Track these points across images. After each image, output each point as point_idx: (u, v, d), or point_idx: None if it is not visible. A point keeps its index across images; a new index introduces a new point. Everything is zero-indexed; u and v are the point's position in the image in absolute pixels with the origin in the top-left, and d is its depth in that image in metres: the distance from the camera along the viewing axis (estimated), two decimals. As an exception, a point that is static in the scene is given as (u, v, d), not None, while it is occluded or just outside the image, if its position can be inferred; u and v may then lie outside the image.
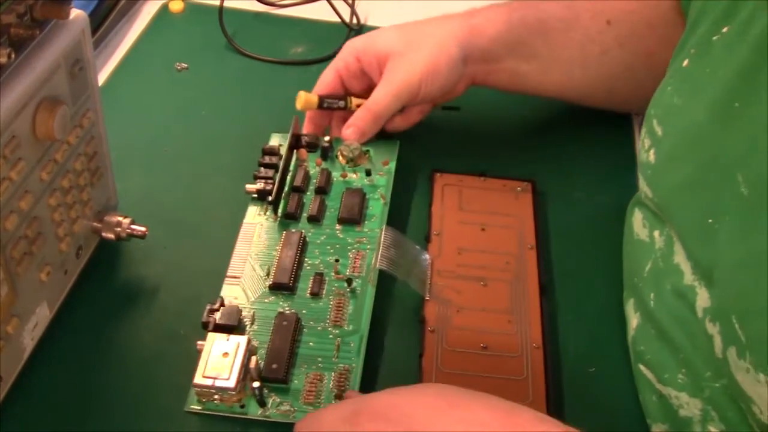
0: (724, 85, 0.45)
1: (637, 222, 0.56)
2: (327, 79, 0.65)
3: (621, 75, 0.53)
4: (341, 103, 0.66)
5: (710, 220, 0.45)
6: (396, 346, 0.56)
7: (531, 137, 0.73)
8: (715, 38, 0.47)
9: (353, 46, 0.66)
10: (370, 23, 0.85)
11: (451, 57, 0.63)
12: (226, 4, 0.82)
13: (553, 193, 0.67)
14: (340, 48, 0.81)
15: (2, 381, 0.48)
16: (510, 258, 0.61)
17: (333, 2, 0.85)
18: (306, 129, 0.68)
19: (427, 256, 0.60)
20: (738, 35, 0.45)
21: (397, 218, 0.64)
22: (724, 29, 0.47)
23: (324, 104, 0.66)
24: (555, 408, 0.52)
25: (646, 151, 0.52)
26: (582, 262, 0.62)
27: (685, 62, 0.50)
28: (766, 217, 0.41)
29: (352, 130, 0.64)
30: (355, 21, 0.85)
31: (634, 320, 0.55)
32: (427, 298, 0.57)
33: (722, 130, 0.45)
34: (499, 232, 0.62)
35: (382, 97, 0.64)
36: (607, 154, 0.71)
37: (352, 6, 0.86)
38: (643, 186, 0.53)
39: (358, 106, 0.66)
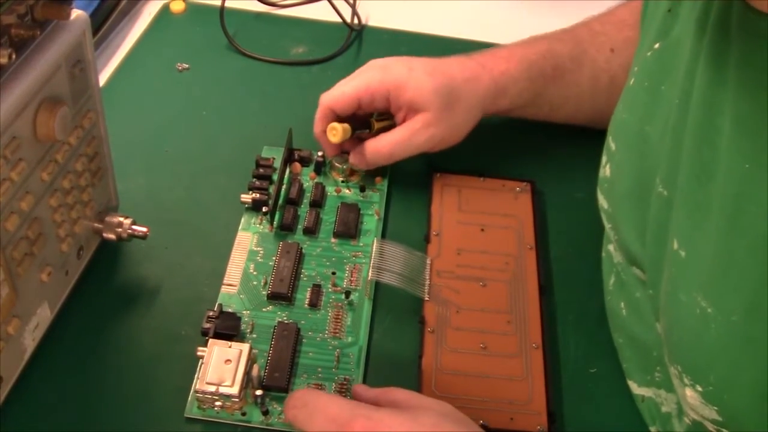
0: (660, 98, 0.48)
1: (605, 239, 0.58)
2: (345, 99, 0.64)
3: None
4: (367, 131, 0.66)
5: (642, 224, 0.48)
6: (396, 346, 0.56)
7: (530, 137, 0.73)
8: (648, 54, 0.50)
9: (384, 81, 0.64)
10: (371, 23, 0.85)
11: (475, 122, 0.66)
12: (227, 4, 0.82)
13: (552, 194, 0.67)
14: (340, 48, 0.81)
15: (3, 381, 0.49)
16: (509, 258, 0.61)
17: (334, 3, 0.85)
18: (331, 153, 0.66)
19: (426, 259, 0.60)
20: (669, 51, 0.48)
21: (396, 219, 0.64)
22: (656, 45, 0.49)
23: (354, 134, 0.65)
24: (555, 408, 0.52)
25: (603, 166, 0.55)
26: (581, 262, 0.62)
27: (632, 81, 0.52)
28: (673, 217, 0.44)
29: (359, 160, 0.65)
30: (356, 21, 0.85)
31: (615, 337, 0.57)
32: (426, 298, 0.57)
33: (658, 139, 0.47)
34: (499, 232, 0.63)
35: (401, 145, 0.64)
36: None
37: (353, 6, 0.86)
38: (601, 200, 0.56)
39: (379, 129, 0.66)
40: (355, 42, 0.83)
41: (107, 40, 0.80)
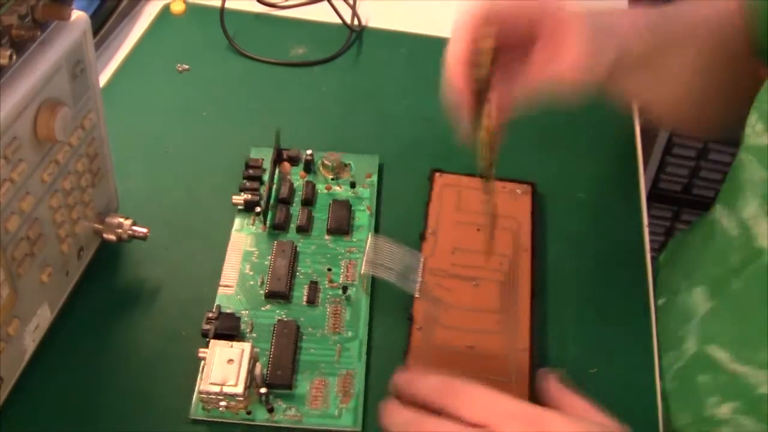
0: None
1: (725, 219, 0.57)
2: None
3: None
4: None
5: None
6: (385, 343, 0.56)
7: (533, 138, 0.72)
8: None
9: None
10: (371, 25, 0.85)
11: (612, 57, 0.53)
12: (227, 5, 0.82)
13: (553, 196, 0.67)
14: (341, 49, 0.81)
15: (3, 382, 0.49)
16: (504, 260, 0.60)
17: (334, 3, 0.85)
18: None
19: (420, 256, 0.60)
20: None
21: (391, 217, 0.64)
22: None
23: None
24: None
25: (759, 135, 0.51)
26: (582, 264, 0.62)
27: None
28: None
29: (521, 95, 0.52)
30: (356, 22, 0.85)
31: (705, 305, 0.56)
32: (416, 296, 0.57)
33: None
34: (495, 233, 0.62)
35: (585, 67, 0.50)
36: (609, 157, 0.71)
37: (353, 7, 0.86)
38: (756, 171, 0.52)
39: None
40: (356, 43, 0.83)
41: (107, 41, 0.80)
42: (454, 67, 0.49)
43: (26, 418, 0.50)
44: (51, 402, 0.51)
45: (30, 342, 0.51)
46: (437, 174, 0.67)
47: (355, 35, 0.84)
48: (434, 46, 0.83)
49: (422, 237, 0.62)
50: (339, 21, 0.84)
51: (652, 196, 1.45)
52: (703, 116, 0.63)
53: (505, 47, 0.49)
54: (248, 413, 0.51)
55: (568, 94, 0.51)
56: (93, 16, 0.75)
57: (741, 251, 0.55)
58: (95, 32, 0.76)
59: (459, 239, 0.62)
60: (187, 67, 0.78)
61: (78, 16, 0.49)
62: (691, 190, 1.44)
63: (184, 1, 0.85)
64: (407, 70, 0.80)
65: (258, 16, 0.86)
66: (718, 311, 0.56)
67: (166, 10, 0.85)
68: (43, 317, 0.52)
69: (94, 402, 0.51)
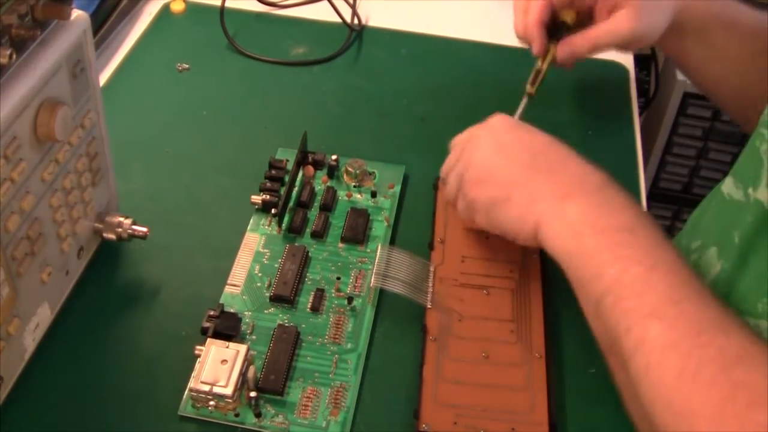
0: None
1: (728, 186, 0.58)
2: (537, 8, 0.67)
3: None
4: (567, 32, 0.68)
5: None
6: (396, 354, 0.55)
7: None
8: None
9: None
10: (371, 24, 0.85)
11: (665, 25, 0.67)
12: (227, 4, 0.82)
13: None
14: (341, 49, 0.81)
15: (3, 381, 0.49)
16: (514, 266, 0.60)
17: (334, 3, 0.85)
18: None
19: (430, 266, 0.60)
20: None
21: (401, 226, 0.64)
22: None
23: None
24: (558, 414, 0.52)
25: None
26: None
27: None
28: None
29: (567, 51, 0.67)
30: (356, 22, 0.85)
31: (716, 265, 0.57)
32: (429, 306, 0.57)
33: None
34: (503, 239, 0.62)
35: (605, 37, 0.66)
36: (609, 157, 0.71)
37: (353, 7, 0.86)
38: None
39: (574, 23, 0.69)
40: (355, 42, 0.83)
41: (107, 40, 0.80)
42: (532, 28, 0.67)
43: (26, 417, 0.50)
44: (51, 401, 0.51)
45: (30, 341, 0.51)
46: (442, 183, 0.66)
47: (355, 34, 0.84)
48: (434, 45, 0.84)
49: (431, 246, 0.61)
50: (339, 20, 0.84)
51: (652, 196, 1.44)
52: (746, 101, 0.65)
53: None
54: (236, 415, 0.50)
55: (625, 46, 0.68)
56: (93, 16, 0.75)
57: (750, 212, 0.55)
58: (95, 32, 0.77)
59: (467, 247, 0.61)
60: (187, 66, 0.78)
61: (78, 15, 0.49)
62: (691, 189, 1.44)
63: (184, 1, 0.85)
64: (407, 70, 0.80)
65: (258, 16, 0.86)
66: (724, 268, 0.56)
67: (166, 10, 0.85)
68: (43, 316, 0.52)
69: (94, 400, 0.51)
